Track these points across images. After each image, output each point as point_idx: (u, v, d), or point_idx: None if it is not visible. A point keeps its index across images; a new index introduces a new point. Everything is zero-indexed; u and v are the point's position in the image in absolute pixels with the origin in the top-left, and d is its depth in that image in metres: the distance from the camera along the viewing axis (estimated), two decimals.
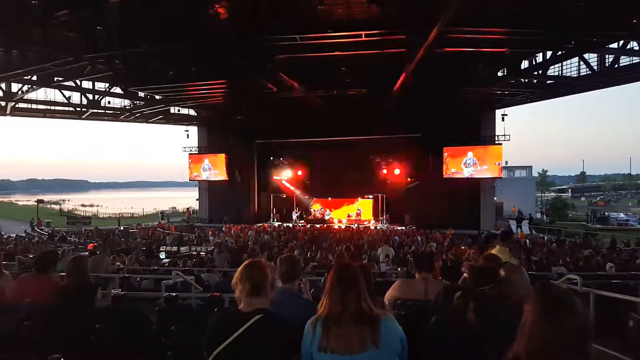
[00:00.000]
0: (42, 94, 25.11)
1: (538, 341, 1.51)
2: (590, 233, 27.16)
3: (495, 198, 29.85)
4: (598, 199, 79.01)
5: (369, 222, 29.03)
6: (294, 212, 30.93)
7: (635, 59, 17.25)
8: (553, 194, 77.92)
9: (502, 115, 25.93)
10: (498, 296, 2.79)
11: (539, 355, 1.50)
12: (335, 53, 16.47)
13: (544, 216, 42.36)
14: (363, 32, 14.61)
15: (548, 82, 21.93)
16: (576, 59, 19.12)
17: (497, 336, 2.66)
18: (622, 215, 44.01)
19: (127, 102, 27.59)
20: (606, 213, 44.61)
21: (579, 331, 1.51)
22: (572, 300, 1.56)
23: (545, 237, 23.50)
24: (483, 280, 2.81)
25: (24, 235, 23.05)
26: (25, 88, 23.17)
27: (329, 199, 31.62)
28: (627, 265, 11.85)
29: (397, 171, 29.06)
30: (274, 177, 32.06)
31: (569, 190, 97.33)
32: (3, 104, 24.30)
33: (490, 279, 2.80)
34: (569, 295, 1.59)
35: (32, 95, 24.81)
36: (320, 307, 2.37)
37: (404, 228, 25.90)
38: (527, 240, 20.87)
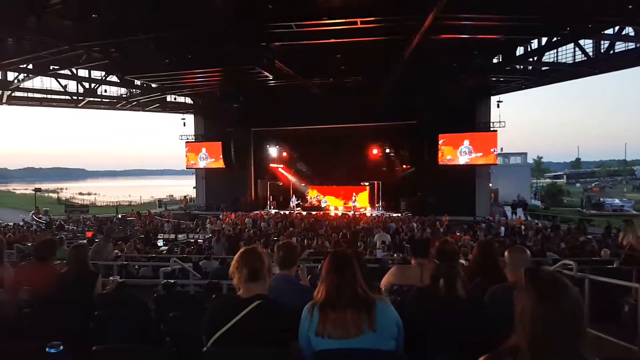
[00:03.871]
0: (38, 82, 24.94)
1: (540, 327, 1.51)
2: (585, 219, 27.31)
3: (490, 185, 29.91)
4: (593, 185, 79.23)
5: (365, 209, 29.07)
6: (293, 199, 30.93)
7: (631, 45, 17.18)
8: (548, 180, 78.13)
9: (497, 102, 25.86)
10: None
11: (542, 341, 1.51)
12: (331, 40, 16.38)
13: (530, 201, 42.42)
14: (359, 19, 14.50)
15: (543, 68, 21.86)
16: (571, 45, 19.02)
17: (485, 314, 2.73)
18: (617, 201, 44.17)
19: (123, 90, 27.41)
20: (601, 199, 44.79)
21: (577, 311, 1.52)
22: (564, 282, 1.57)
23: (540, 223, 23.62)
24: (453, 257, 2.90)
25: (22, 223, 23.04)
26: (21, 77, 22.95)
27: (326, 186, 31.64)
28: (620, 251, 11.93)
29: (392, 158, 29.10)
30: (271, 165, 32.06)
31: (564, 176, 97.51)
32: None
33: (452, 257, 2.90)
34: (560, 278, 1.61)
35: (28, 84, 24.59)
36: (317, 293, 2.41)
37: (399, 215, 25.99)
38: (523, 226, 21.00)
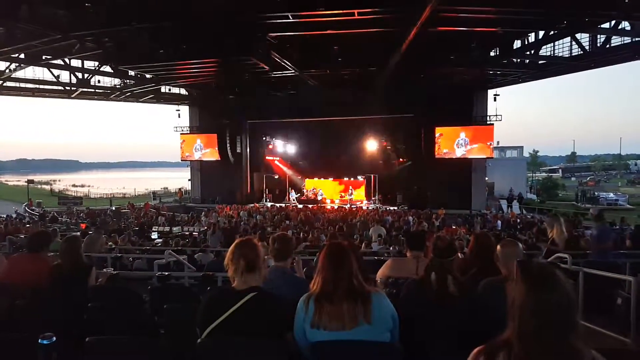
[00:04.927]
0: (30, 72, 24.69)
1: (529, 319, 1.50)
2: (580, 212, 27.43)
3: (486, 178, 29.98)
4: (588, 179, 79.51)
5: (362, 202, 29.12)
6: (292, 193, 30.91)
7: (627, 39, 17.18)
8: (544, 174, 78.42)
9: (494, 95, 25.81)
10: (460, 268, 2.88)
11: (532, 333, 1.50)
12: (328, 32, 16.30)
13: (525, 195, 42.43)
14: (356, 10, 14.43)
15: (540, 62, 21.83)
16: (568, 39, 19.02)
17: (477, 307, 2.72)
18: (611, 195, 44.37)
19: (117, 81, 27.21)
20: (596, 193, 45.00)
21: (568, 302, 1.51)
22: (555, 273, 1.56)
23: (535, 217, 23.72)
24: (445, 253, 2.88)
25: (14, 215, 22.91)
26: (13, 66, 22.73)
27: (322, 179, 31.64)
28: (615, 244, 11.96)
29: (389, 151, 29.12)
30: (267, 158, 32.00)
31: (560, 170, 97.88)
32: None
33: (451, 251, 2.88)
34: (551, 268, 1.60)
35: (20, 74, 24.35)
36: (312, 285, 2.41)
37: (396, 208, 26.06)
38: (518, 220, 21.09)
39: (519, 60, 22.43)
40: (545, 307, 1.50)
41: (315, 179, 31.73)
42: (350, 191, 29.88)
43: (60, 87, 26.04)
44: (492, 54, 21.19)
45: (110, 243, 10.74)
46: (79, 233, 12.14)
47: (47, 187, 67.09)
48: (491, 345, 1.62)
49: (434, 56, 20.12)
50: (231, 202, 28.07)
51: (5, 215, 21.66)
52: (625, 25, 16.59)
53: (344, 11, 14.47)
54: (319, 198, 29.80)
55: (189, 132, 32.49)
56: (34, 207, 29.75)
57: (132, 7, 14.78)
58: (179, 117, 32.35)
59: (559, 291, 1.52)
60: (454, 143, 26.13)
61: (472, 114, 26.62)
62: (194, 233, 15.91)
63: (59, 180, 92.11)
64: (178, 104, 32.51)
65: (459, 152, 26.13)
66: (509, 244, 3.29)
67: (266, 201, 30.31)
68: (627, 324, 4.86)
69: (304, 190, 31.46)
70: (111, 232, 13.32)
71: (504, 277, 3.00)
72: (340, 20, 15.24)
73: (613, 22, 16.70)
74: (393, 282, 3.83)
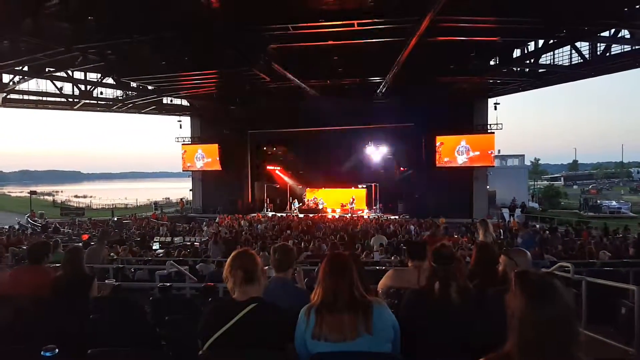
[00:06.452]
0: (33, 84, 24.86)
1: (529, 331, 1.49)
2: (583, 221, 27.34)
3: (487, 187, 29.92)
4: (590, 187, 79.14)
5: (363, 212, 29.07)
6: (295, 203, 30.88)
7: (627, 47, 17.24)
8: (545, 182, 78.21)
9: (494, 104, 25.86)
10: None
11: (531, 345, 1.49)
12: (328, 42, 16.39)
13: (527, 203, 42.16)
14: (355, 22, 14.53)
15: (540, 70, 21.90)
16: (568, 47, 19.10)
17: (480, 317, 2.71)
18: (614, 203, 44.13)
19: (119, 92, 27.35)
20: (598, 201, 44.80)
21: (568, 314, 1.50)
22: (553, 284, 1.55)
23: (537, 225, 23.64)
24: (444, 261, 2.87)
25: (17, 226, 22.93)
26: (16, 79, 22.87)
27: (323, 188, 31.61)
28: (618, 253, 11.95)
29: (390, 160, 29.11)
30: (268, 167, 32.02)
31: (562, 178, 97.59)
32: None
33: (449, 259, 2.86)
34: (550, 279, 1.58)
35: (23, 86, 24.53)
36: (313, 296, 2.40)
37: (397, 217, 25.99)
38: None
39: (519, 69, 22.50)
40: (545, 318, 1.48)
41: (316, 188, 31.69)
42: (351, 200, 29.82)
43: (63, 99, 26.22)
44: (492, 63, 21.25)
45: (112, 254, 10.73)
46: (80, 244, 12.15)
47: (50, 198, 67.10)
48: (492, 357, 1.61)
49: (434, 65, 20.18)
50: (232, 212, 28.08)
51: (7, 227, 21.68)
52: (625, 33, 16.66)
53: (344, 22, 14.57)
54: (320, 207, 29.76)
55: (190, 142, 32.66)
56: (36, 218, 29.77)
57: (134, 19, 14.89)
58: (181, 127, 32.51)
59: (559, 302, 1.51)
60: (455, 152, 26.16)
61: (473, 123, 26.70)
62: (195, 243, 15.88)
63: (62, 191, 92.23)
64: (180, 115, 32.63)
65: (460, 161, 26.16)
66: (518, 253, 3.29)
67: (267, 211, 30.26)
68: (631, 334, 4.83)
69: (305, 200, 31.44)
70: (113, 242, 13.30)
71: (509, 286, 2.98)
72: (340, 31, 15.33)
73: (613, 30, 16.78)
74: (394, 292, 3.82)
